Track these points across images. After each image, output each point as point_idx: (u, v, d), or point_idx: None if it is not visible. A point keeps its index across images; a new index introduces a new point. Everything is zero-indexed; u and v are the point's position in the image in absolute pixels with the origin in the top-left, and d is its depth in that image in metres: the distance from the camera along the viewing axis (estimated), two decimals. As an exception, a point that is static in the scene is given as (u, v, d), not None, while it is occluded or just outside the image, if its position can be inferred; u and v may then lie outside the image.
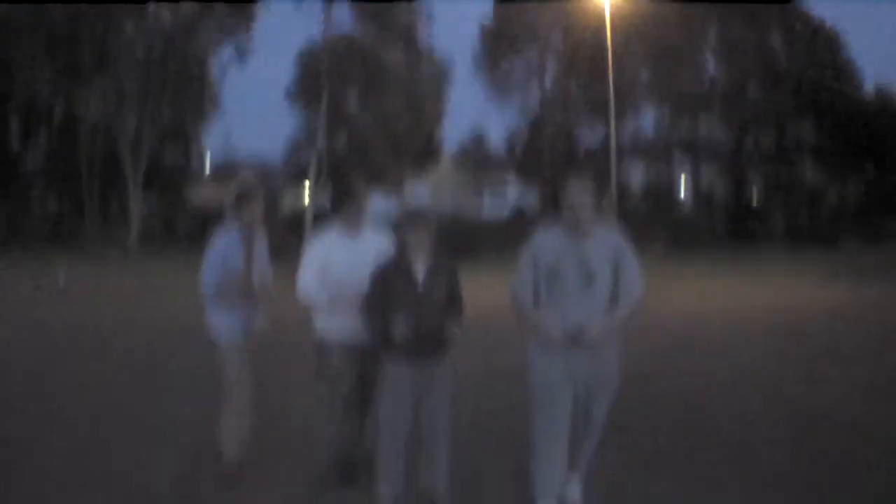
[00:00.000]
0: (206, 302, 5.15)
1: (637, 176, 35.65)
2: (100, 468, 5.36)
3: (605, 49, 27.86)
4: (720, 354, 8.93)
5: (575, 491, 4.79)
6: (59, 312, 10.54)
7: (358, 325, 4.79)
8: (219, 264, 5.06)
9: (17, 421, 6.36)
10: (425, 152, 36.23)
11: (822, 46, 31.73)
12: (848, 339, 9.10)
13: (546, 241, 4.50)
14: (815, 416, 6.50)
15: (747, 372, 8.08)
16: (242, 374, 5.16)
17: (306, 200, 28.81)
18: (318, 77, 29.99)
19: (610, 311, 4.41)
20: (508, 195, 40.58)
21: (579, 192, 4.36)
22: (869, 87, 31.97)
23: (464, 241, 18.37)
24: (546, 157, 34.09)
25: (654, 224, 21.97)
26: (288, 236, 18.54)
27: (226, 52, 33.21)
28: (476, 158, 41.22)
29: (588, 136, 36.59)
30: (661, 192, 33.30)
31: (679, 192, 34.98)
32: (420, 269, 4.66)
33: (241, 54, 32.98)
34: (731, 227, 23.33)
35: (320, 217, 17.50)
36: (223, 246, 5.10)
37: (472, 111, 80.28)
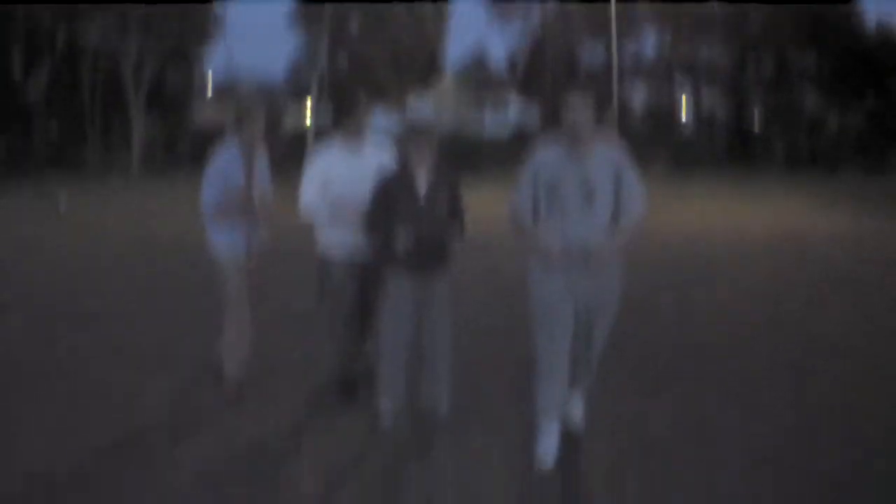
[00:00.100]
0: (206, 220, 4.98)
1: (639, 97, 35.17)
2: (101, 390, 5.26)
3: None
4: (720, 276, 8.80)
5: (577, 410, 4.70)
6: (59, 237, 10.37)
7: (359, 240, 4.68)
8: (218, 182, 4.87)
9: (18, 344, 6.24)
10: (427, 71, 35.67)
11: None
12: (848, 266, 8.95)
13: (546, 158, 4.28)
14: (815, 338, 6.39)
15: (748, 294, 7.95)
16: (242, 293, 5.02)
17: (308, 119, 28.40)
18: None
19: (611, 230, 4.22)
20: (510, 114, 40.01)
21: (579, 108, 4.13)
22: (870, 23, 31.45)
23: (465, 158, 18.14)
24: (547, 76, 33.53)
25: (654, 145, 21.68)
26: (289, 154, 18.28)
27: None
28: (478, 77, 40.58)
29: (590, 56, 35.95)
30: (663, 114, 32.85)
31: (680, 114, 34.50)
32: (422, 182, 4.51)
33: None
34: (732, 151, 23.00)
35: (322, 135, 17.21)
36: (223, 163, 4.91)
37: (474, 31, 78.98)
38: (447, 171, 4.63)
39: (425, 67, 35.02)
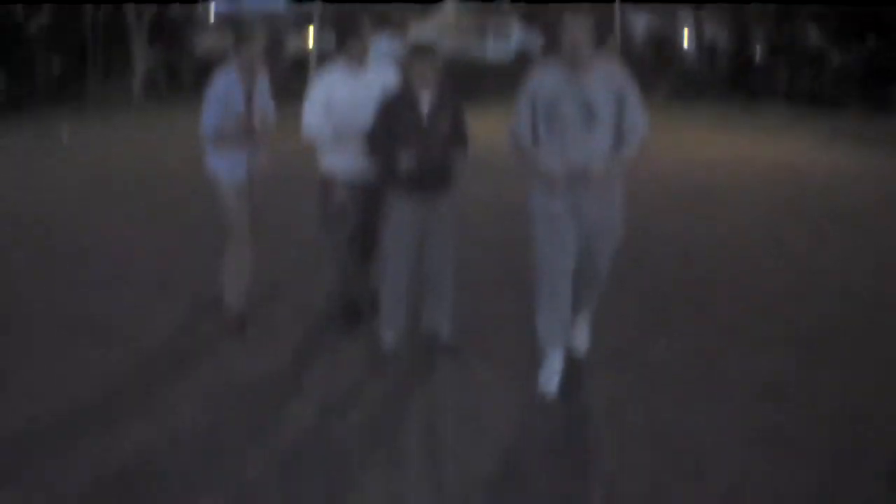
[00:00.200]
0: (206, 144, 4.80)
1: (641, 26, 34.43)
2: (101, 321, 5.16)
3: None
4: (723, 207, 8.63)
5: (581, 338, 4.61)
6: (61, 168, 10.16)
7: (362, 162, 4.54)
8: (218, 105, 4.67)
9: (21, 275, 6.12)
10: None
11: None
12: (849, 202, 8.78)
13: (545, 79, 4.07)
14: (819, 272, 6.26)
15: (750, 226, 7.81)
16: (242, 220, 4.87)
17: (311, 44, 27.81)
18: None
19: (613, 153, 4.05)
20: (512, 39, 39.19)
21: (578, 31, 3.91)
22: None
23: (468, 82, 17.80)
24: (550, 2, 32.74)
25: (656, 74, 21.28)
26: (292, 78, 17.91)
27: None
28: (480, 2, 39.69)
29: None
30: (664, 42, 32.20)
31: (682, 44, 33.82)
32: (425, 104, 4.34)
33: None
34: (733, 83, 22.57)
35: (324, 60, 16.84)
36: (222, 87, 4.70)
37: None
38: (450, 94, 4.47)
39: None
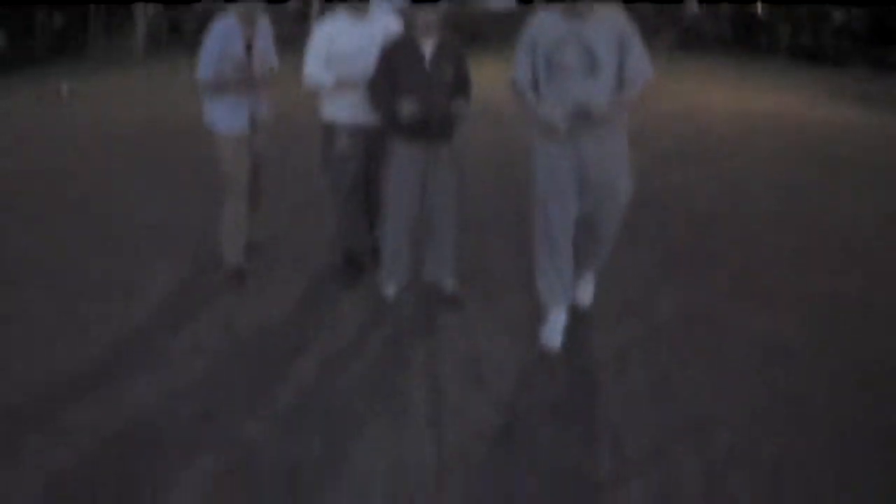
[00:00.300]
0: (203, 93, 4.61)
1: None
2: (100, 277, 5.01)
3: None
4: (726, 156, 8.42)
5: (586, 292, 4.49)
6: (61, 122, 9.93)
7: (365, 108, 4.38)
8: (216, 52, 4.45)
9: (17, 230, 5.97)
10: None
11: None
12: (853, 156, 8.58)
13: (545, 26, 3.88)
14: (831, 230, 6.09)
15: (755, 176, 7.63)
16: (240, 172, 4.69)
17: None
18: None
19: (617, 92, 3.86)
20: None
21: None
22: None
23: (471, 30, 17.47)
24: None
25: (659, 26, 20.86)
26: (296, 26, 17.56)
27: None
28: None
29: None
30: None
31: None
32: (427, 51, 4.17)
33: None
34: (735, 36, 22.18)
35: (326, 9, 16.49)
36: (220, 33, 4.47)
37: None
38: (452, 41, 4.30)
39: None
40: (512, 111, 4.55)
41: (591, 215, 4.08)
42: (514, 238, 5.51)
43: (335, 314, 4.49)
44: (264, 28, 4.69)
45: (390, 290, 4.58)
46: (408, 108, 4.05)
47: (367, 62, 4.27)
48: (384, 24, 4.54)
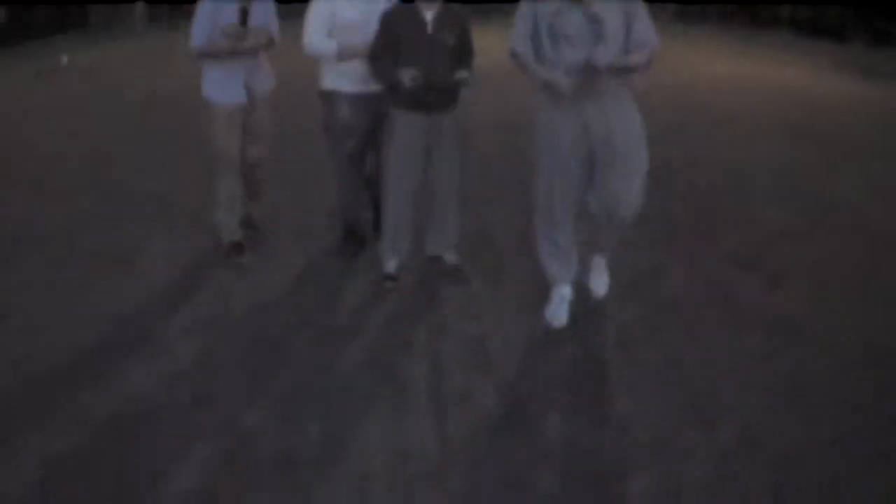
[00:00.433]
0: (196, 61, 4.39)
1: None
2: (97, 250, 4.84)
3: None
4: (730, 128, 8.23)
5: (600, 279, 4.28)
6: (58, 94, 9.66)
7: (366, 76, 4.19)
8: (206, 20, 4.23)
9: (16, 201, 5.78)
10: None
11: None
12: (858, 134, 8.36)
13: None
14: (836, 206, 5.90)
15: (759, 149, 7.43)
16: (232, 146, 4.48)
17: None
18: None
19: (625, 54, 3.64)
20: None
21: None
22: None
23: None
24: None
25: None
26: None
27: None
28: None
29: None
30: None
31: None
32: (429, 15, 3.98)
33: None
34: (738, 8, 21.81)
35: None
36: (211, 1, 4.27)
37: None
38: (455, 8, 4.10)
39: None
40: (515, 82, 4.34)
41: (600, 190, 3.85)
42: (519, 210, 5.33)
43: (335, 291, 4.34)
44: None
45: (392, 264, 4.41)
46: (409, 76, 3.86)
47: (369, 33, 4.08)
48: None
